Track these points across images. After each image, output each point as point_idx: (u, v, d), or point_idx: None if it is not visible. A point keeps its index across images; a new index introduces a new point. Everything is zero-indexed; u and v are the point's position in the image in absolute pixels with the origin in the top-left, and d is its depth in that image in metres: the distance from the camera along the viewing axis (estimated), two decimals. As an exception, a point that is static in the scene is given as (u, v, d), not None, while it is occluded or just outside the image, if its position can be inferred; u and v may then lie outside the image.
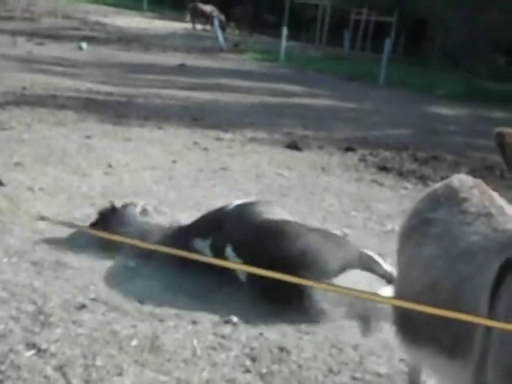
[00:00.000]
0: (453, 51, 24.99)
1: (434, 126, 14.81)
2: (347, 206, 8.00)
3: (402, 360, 4.36)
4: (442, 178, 10.19)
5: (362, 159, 10.74)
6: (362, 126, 13.95)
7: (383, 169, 10.21)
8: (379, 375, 4.22)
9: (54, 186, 7.44)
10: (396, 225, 7.55)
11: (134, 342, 4.31)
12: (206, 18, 34.80)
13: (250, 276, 4.97)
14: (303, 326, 4.79)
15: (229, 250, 5.36)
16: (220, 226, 5.58)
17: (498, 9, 22.53)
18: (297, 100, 16.97)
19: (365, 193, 8.77)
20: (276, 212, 5.83)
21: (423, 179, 9.79)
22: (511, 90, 21.58)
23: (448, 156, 11.45)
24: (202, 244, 5.60)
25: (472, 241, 2.82)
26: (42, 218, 5.39)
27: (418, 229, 3.18)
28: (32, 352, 4.06)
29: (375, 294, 3.73)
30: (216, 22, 31.30)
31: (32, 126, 10.34)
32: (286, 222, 5.59)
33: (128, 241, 4.53)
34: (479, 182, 3.26)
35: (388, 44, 23.02)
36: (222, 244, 5.44)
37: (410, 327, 2.95)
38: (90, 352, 4.12)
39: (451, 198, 3.14)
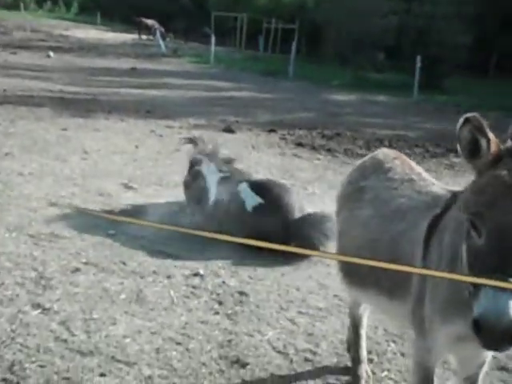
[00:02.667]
0: (343, 50, 24.99)
1: (333, 110, 14.79)
2: (276, 175, 7.85)
3: (335, 296, 4.31)
4: (345, 150, 10.20)
5: (283, 138, 10.60)
6: (278, 111, 13.77)
7: (299, 145, 10.10)
8: (319, 309, 4.14)
9: (40, 171, 7.01)
10: (315, 188, 7.50)
11: (123, 296, 4.08)
12: (149, 30, 33.70)
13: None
14: (256, 274, 4.67)
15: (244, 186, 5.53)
16: None
17: (379, 15, 22.65)
18: (226, 93, 16.60)
19: (288, 164, 8.66)
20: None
21: (331, 151, 9.76)
22: (389, 80, 21.87)
23: (347, 132, 11.44)
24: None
25: (400, 202, 2.73)
26: (53, 204, 4.98)
27: (353, 195, 3.05)
28: (38, 311, 3.79)
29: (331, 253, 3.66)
30: (158, 33, 30.41)
31: (16, 122, 9.72)
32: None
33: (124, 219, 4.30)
34: (399, 154, 3.15)
35: (293, 46, 22.81)
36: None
37: (355, 275, 2.84)
38: (87, 307, 3.88)
39: (378, 168, 3.02)
